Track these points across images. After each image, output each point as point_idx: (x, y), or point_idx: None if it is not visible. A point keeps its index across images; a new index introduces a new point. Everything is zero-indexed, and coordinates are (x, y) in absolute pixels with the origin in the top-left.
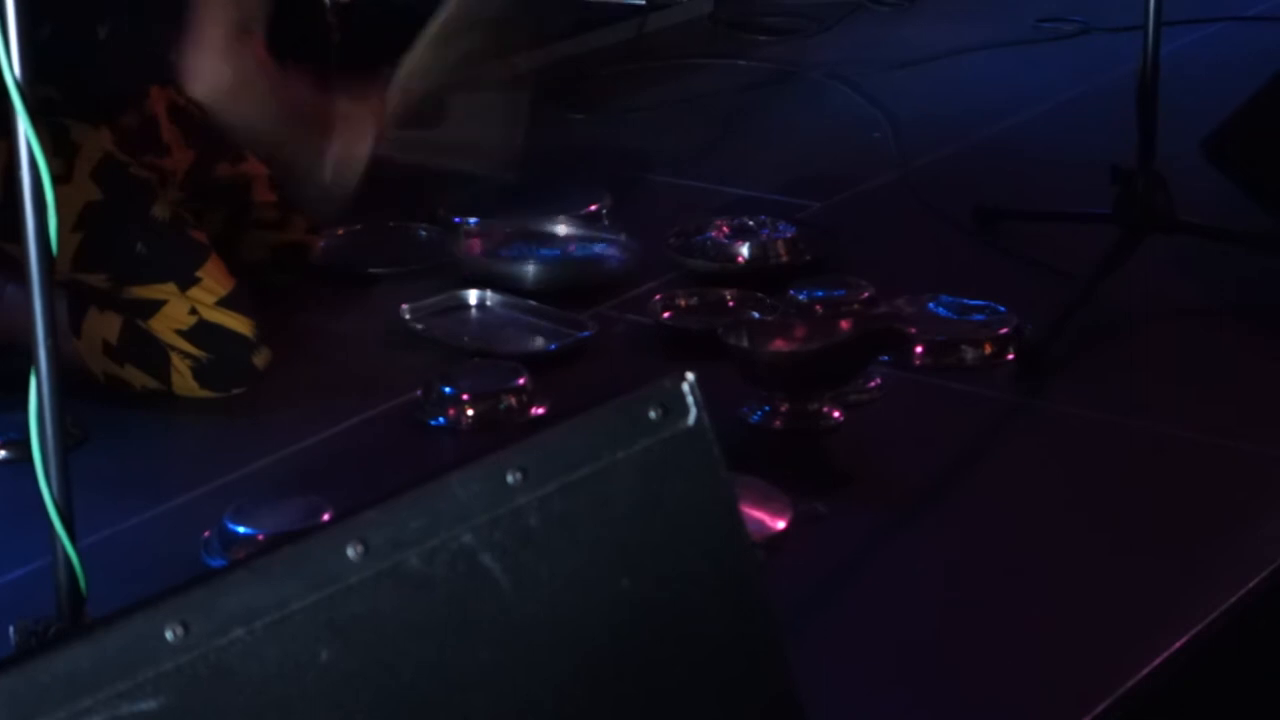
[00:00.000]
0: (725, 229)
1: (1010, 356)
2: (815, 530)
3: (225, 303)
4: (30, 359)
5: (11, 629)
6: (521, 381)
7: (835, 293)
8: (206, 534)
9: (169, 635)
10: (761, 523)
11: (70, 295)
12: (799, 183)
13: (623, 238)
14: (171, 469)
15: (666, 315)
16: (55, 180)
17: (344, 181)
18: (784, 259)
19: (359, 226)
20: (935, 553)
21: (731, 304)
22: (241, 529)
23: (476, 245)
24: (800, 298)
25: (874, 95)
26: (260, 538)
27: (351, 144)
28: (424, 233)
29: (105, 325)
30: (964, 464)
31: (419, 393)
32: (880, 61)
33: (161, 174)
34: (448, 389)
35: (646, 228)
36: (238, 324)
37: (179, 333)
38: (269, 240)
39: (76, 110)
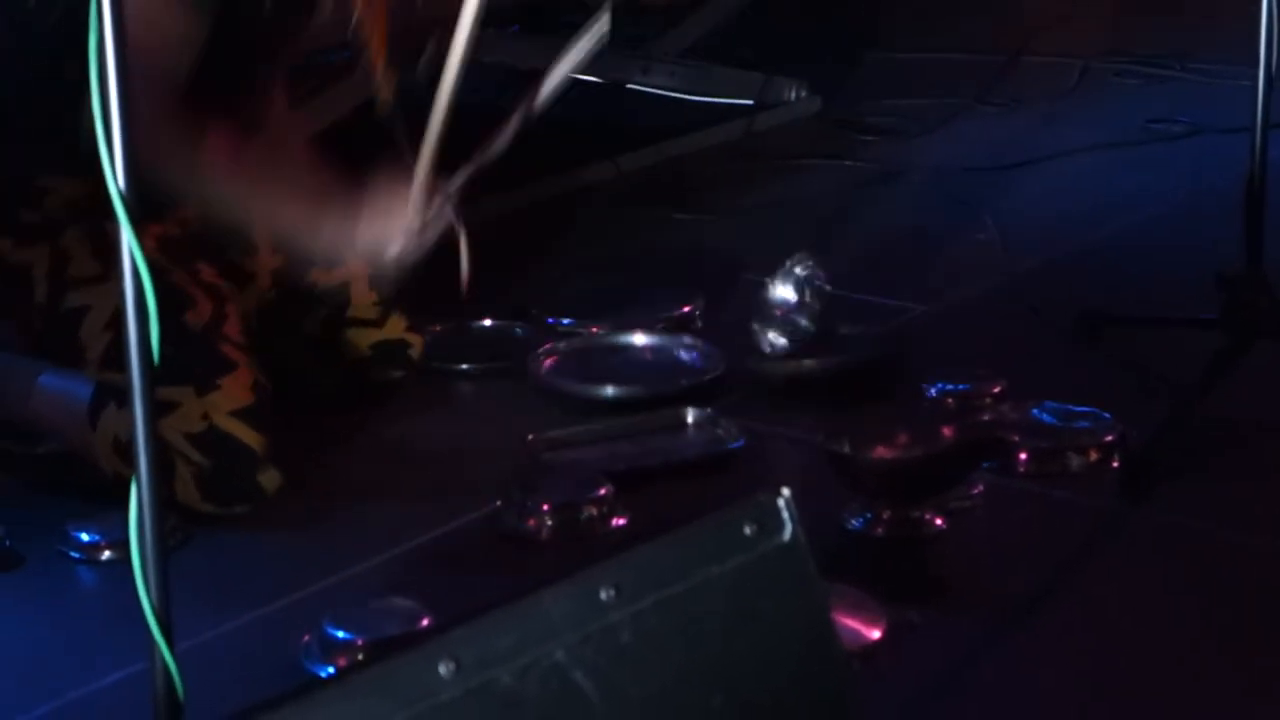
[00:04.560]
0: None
1: (1115, 465)
2: (910, 640)
3: (241, 414)
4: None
5: None
6: (604, 492)
7: (961, 386)
8: (306, 638)
9: None
10: (856, 632)
11: (96, 389)
12: (902, 284)
13: (702, 345)
14: (270, 572)
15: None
16: (91, 281)
17: (380, 266)
18: (863, 368)
19: (455, 324)
20: (1034, 668)
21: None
22: (341, 634)
23: (549, 363)
24: (930, 392)
25: (979, 196)
26: (359, 643)
27: (381, 232)
28: (519, 330)
29: (120, 422)
30: (1066, 575)
31: (498, 503)
32: (986, 162)
33: (245, 273)
34: (530, 498)
35: (738, 331)
36: (249, 437)
37: (188, 436)
38: (369, 339)
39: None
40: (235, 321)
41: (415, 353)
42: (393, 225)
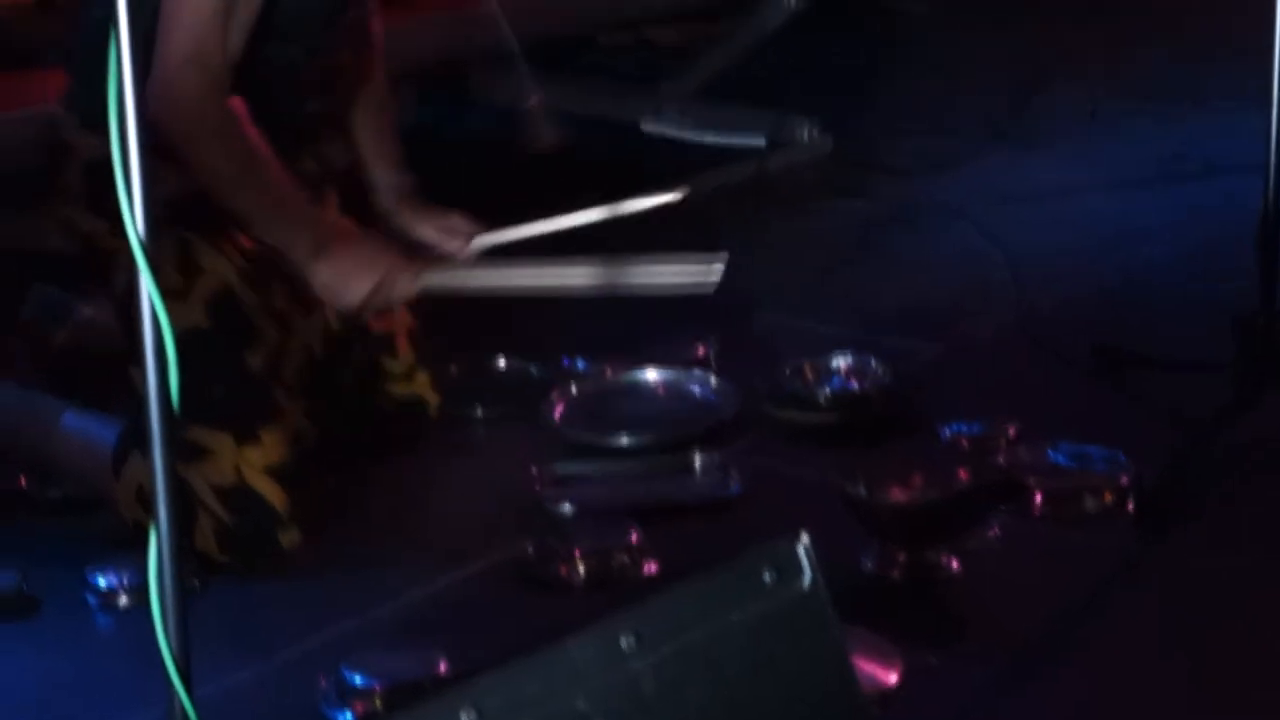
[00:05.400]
0: (811, 375)
1: (1130, 507)
2: (927, 684)
3: (272, 471)
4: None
5: None
6: (634, 538)
7: (975, 428)
8: (324, 683)
9: None
10: (873, 676)
11: (121, 434)
12: (916, 322)
13: (715, 384)
14: (288, 617)
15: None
16: (169, 294)
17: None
18: (875, 409)
19: (472, 364)
20: (1051, 711)
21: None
22: (359, 678)
23: (562, 408)
24: (944, 433)
25: (993, 234)
26: (377, 688)
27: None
28: (534, 370)
29: (145, 470)
30: (1082, 617)
31: (530, 548)
32: (1001, 199)
33: (310, 297)
34: (559, 545)
35: (752, 370)
36: (275, 497)
37: (215, 489)
38: (397, 392)
39: (204, 226)
40: (296, 357)
41: (433, 411)
42: (362, 272)
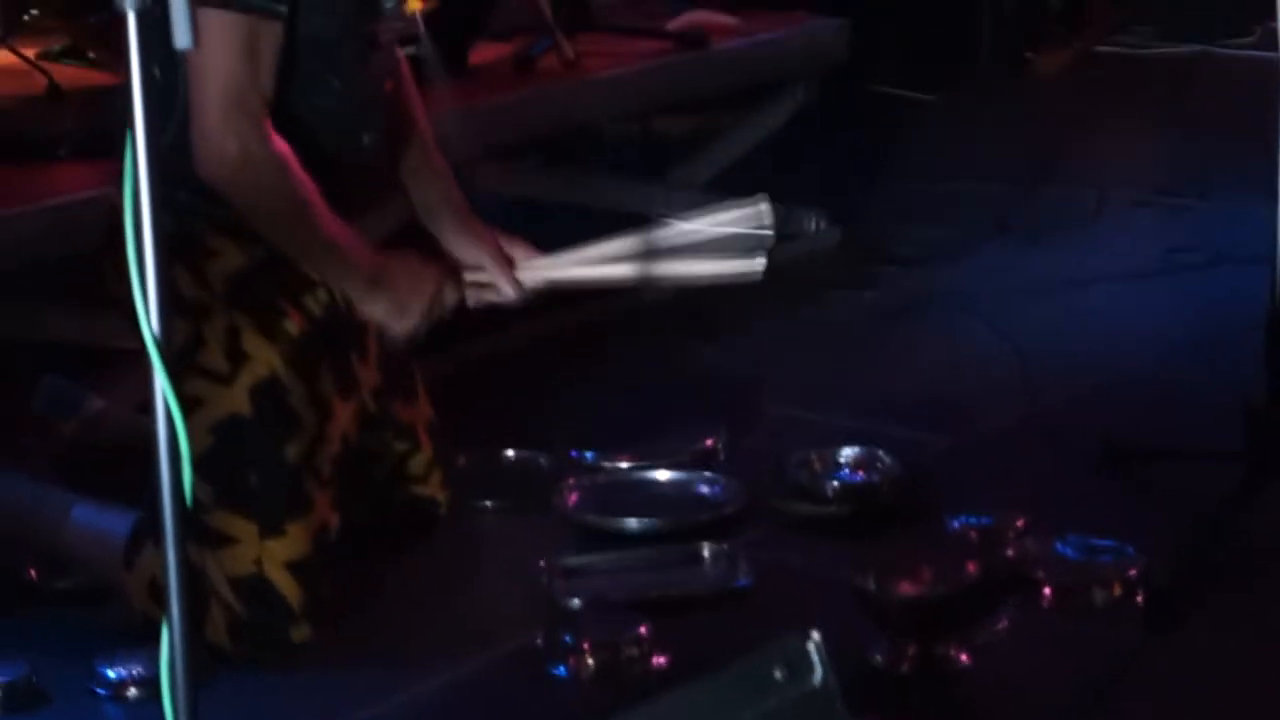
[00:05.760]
0: (819, 467)
1: (1139, 599)
2: None
3: (293, 566)
4: None
5: None
6: (643, 631)
7: (984, 520)
8: None
9: None
10: None
11: (134, 526)
12: (924, 415)
13: (724, 480)
14: (299, 710)
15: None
16: (214, 377)
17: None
18: (883, 501)
19: (482, 454)
20: None
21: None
22: None
23: (574, 499)
24: (953, 525)
25: (1001, 326)
26: None
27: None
28: (543, 461)
29: (158, 562)
30: (1092, 709)
31: (539, 640)
32: (1008, 291)
33: (355, 379)
34: (568, 637)
35: (760, 461)
36: (291, 593)
37: (231, 580)
38: (412, 487)
39: (259, 306)
40: (332, 445)
41: (443, 510)
42: (414, 295)
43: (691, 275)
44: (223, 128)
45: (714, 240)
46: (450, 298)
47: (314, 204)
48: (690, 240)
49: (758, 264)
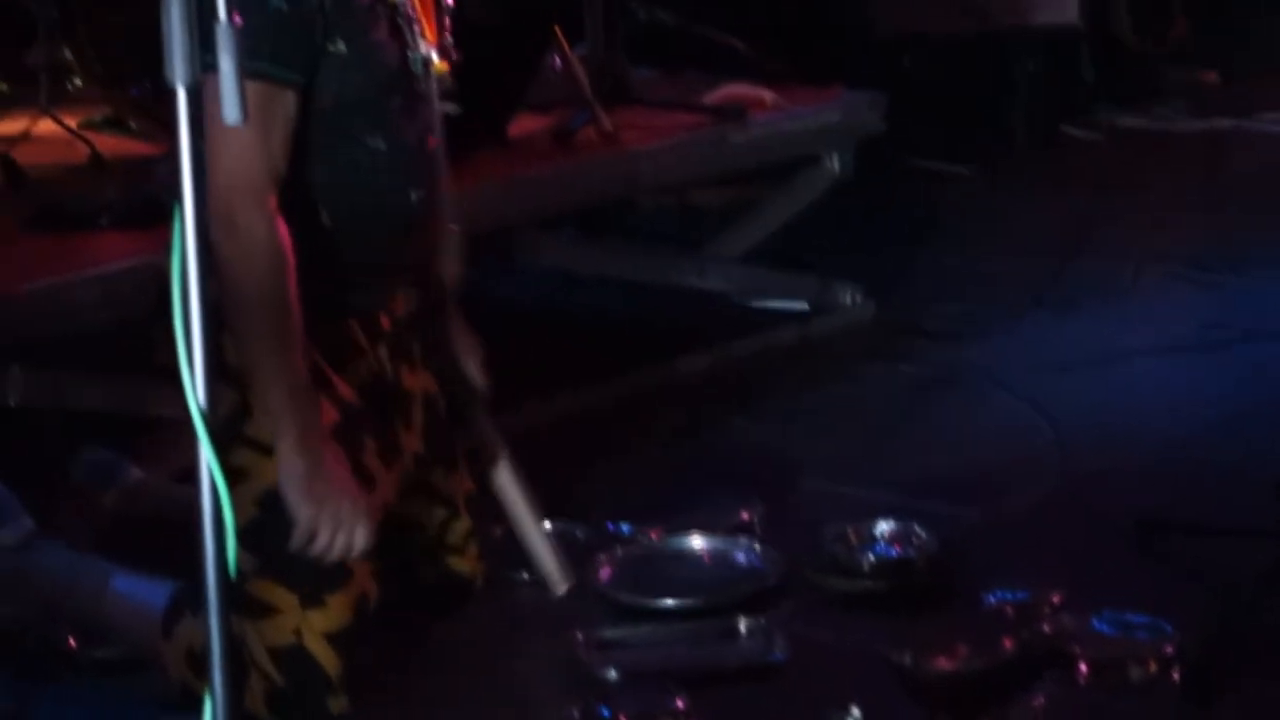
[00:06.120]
0: (855, 541)
1: (1175, 675)
2: None
3: (332, 637)
4: None
5: None
6: (679, 704)
7: (1020, 595)
8: None
9: None
10: None
11: (173, 596)
12: (959, 489)
13: (759, 550)
14: None
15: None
16: (263, 449)
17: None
18: (919, 576)
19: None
20: None
21: None
22: None
23: (606, 573)
24: (988, 600)
25: (1036, 400)
26: None
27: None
28: (579, 534)
29: (196, 634)
30: None
31: (576, 713)
32: (1044, 365)
33: (398, 447)
34: (605, 709)
35: (796, 535)
36: (330, 664)
37: (271, 650)
38: (449, 560)
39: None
40: (374, 515)
41: (478, 584)
42: (324, 500)
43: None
44: (225, 196)
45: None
46: (355, 537)
47: (293, 321)
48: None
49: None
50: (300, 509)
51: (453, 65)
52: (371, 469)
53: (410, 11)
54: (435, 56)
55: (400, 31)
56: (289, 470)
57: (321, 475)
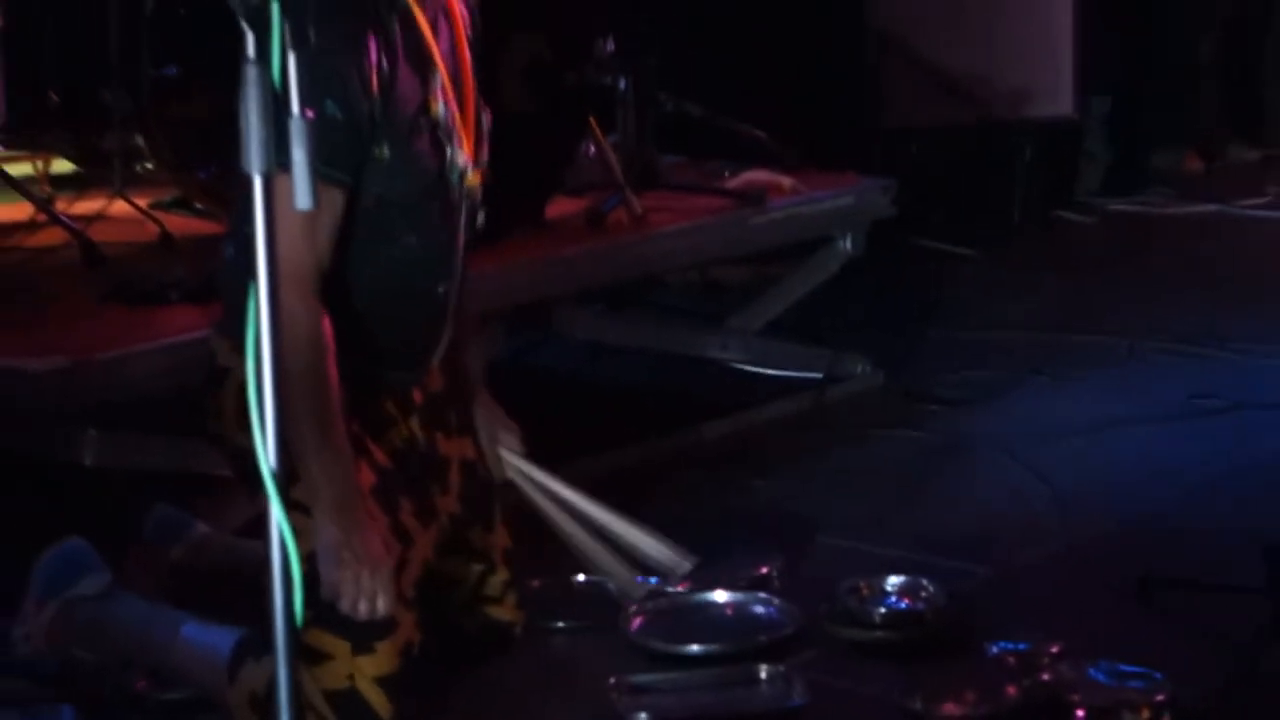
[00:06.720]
0: (868, 594)
1: None
2: None
3: (383, 682)
4: None
5: None
6: None
7: (1021, 646)
8: None
9: None
10: None
11: (238, 643)
12: (966, 547)
13: (778, 602)
14: None
15: None
16: (306, 510)
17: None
18: (928, 627)
19: (554, 579)
20: None
21: None
22: None
23: (638, 622)
24: (992, 650)
25: (1038, 465)
26: None
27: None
28: (611, 587)
29: (259, 677)
30: None
31: None
32: (1043, 432)
33: (434, 509)
34: None
35: (813, 588)
36: (382, 707)
37: (325, 693)
38: (488, 611)
39: None
40: (414, 570)
41: (517, 631)
42: (354, 562)
43: (631, 544)
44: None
45: (639, 546)
46: (376, 603)
47: (332, 401)
48: (626, 539)
49: (684, 568)
50: (328, 573)
51: (484, 177)
52: (409, 527)
53: (450, 125)
54: (470, 168)
55: (440, 143)
56: (321, 538)
57: (350, 545)
